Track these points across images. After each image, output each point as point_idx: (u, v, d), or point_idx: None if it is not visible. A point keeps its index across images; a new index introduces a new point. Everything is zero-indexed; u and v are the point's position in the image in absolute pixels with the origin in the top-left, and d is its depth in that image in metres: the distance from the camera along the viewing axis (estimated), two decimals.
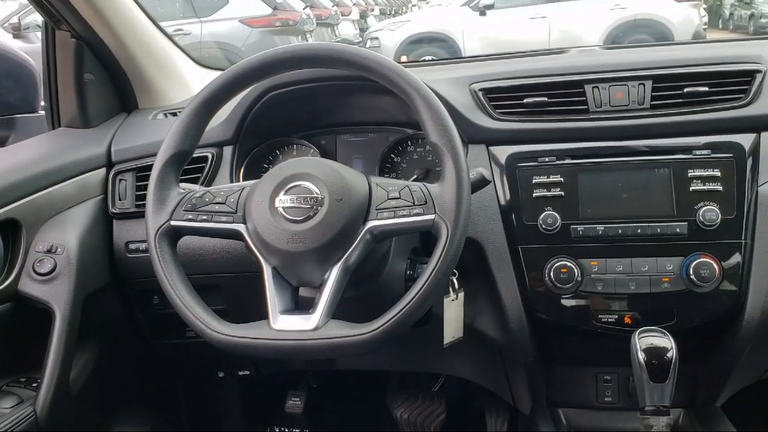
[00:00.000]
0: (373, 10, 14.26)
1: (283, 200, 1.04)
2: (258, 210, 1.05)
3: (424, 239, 1.32)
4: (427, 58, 8.42)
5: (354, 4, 12.19)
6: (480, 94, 1.35)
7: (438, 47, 9.21)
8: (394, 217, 1.04)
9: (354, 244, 1.04)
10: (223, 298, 1.43)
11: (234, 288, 1.40)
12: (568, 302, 1.26)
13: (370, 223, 1.04)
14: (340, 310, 1.05)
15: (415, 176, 1.43)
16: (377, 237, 1.06)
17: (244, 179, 1.41)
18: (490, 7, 9.23)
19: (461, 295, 1.31)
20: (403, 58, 8.50)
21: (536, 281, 1.27)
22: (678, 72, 1.30)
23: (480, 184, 1.15)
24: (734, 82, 1.28)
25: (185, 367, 1.82)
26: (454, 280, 1.28)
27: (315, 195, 1.03)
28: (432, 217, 1.03)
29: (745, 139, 1.25)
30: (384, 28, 10.13)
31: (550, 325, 1.30)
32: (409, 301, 1.00)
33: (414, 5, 18.05)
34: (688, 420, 1.38)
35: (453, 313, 1.32)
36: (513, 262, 1.28)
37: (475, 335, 1.39)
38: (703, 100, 1.27)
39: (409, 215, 1.03)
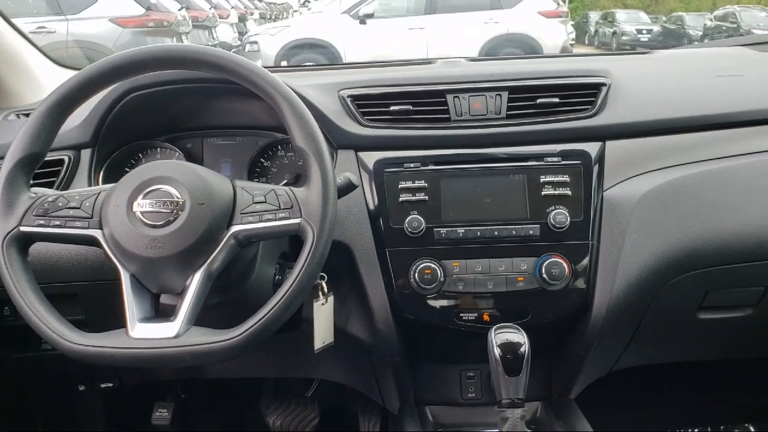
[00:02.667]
0: (252, 14, 14.08)
1: (141, 204, 1.01)
2: (115, 215, 1.01)
3: (293, 244, 1.32)
4: (307, 64, 8.41)
5: (233, 8, 11.98)
6: (348, 100, 1.37)
7: (318, 54, 9.24)
8: (259, 222, 1.04)
9: (217, 250, 1.02)
10: (82, 307, 1.37)
11: (93, 297, 1.34)
12: (432, 302, 1.31)
13: (235, 228, 1.03)
14: (206, 318, 1.04)
15: (286, 181, 1.43)
16: (242, 242, 1.05)
17: (103, 184, 1.36)
18: (370, 16, 9.38)
19: (331, 299, 1.32)
20: (283, 63, 8.46)
21: (402, 283, 1.30)
22: (531, 84, 1.38)
23: (347, 188, 1.17)
24: (582, 95, 1.37)
25: (42, 382, 1.72)
26: (324, 284, 1.29)
27: (175, 199, 1.01)
28: (298, 220, 1.03)
29: (592, 148, 1.34)
30: (263, 33, 10.03)
31: (416, 325, 1.34)
32: (274, 306, 1.00)
33: (295, 11, 17.99)
34: (545, 412, 1.47)
35: (323, 317, 1.33)
36: (380, 264, 1.31)
37: (345, 338, 1.41)
38: (554, 111, 1.35)
39: (275, 219, 1.04)
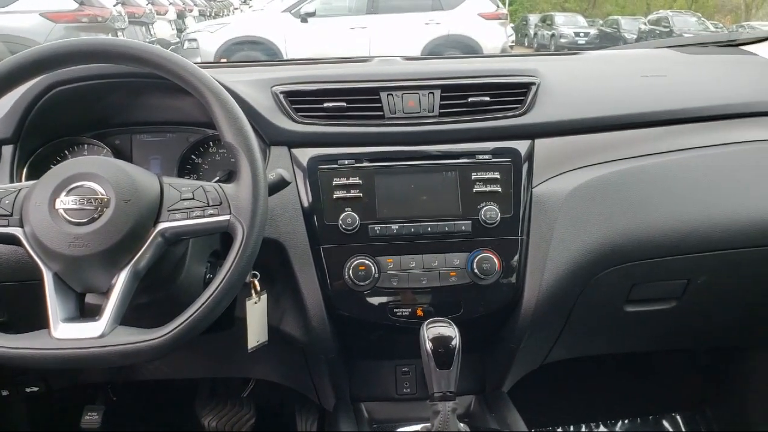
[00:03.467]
0: (191, 10, 13.84)
1: (64, 201, 0.98)
2: (36, 212, 0.98)
3: (225, 241, 1.30)
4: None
5: (171, 4, 11.75)
6: (281, 96, 1.36)
7: (259, 51, 9.15)
8: (187, 219, 1.02)
9: (144, 247, 1.00)
10: (4, 308, 1.32)
11: (15, 297, 1.30)
12: (366, 299, 1.31)
13: (162, 225, 1.02)
14: (136, 318, 1.02)
15: (218, 178, 1.41)
16: (170, 239, 1.03)
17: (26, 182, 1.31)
18: (312, 14, 9.34)
19: (264, 297, 1.32)
20: (223, 61, 8.33)
21: (337, 280, 1.30)
22: (463, 83, 1.40)
23: (279, 185, 1.16)
24: (512, 93, 1.40)
25: None
26: (256, 283, 1.28)
27: (100, 196, 0.99)
28: (227, 217, 1.02)
29: (522, 145, 1.37)
30: (203, 30, 9.87)
31: (351, 322, 1.34)
32: (202, 305, 0.99)
33: (236, 8, 17.76)
34: (478, 405, 1.49)
35: (256, 315, 1.32)
36: (315, 262, 1.31)
37: (280, 337, 1.40)
38: (485, 109, 1.38)
39: (203, 216, 1.02)
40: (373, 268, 1.29)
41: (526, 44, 21.96)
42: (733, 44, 1.90)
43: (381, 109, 1.36)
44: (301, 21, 9.31)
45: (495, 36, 9.93)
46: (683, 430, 2.11)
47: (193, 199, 1.03)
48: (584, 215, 1.34)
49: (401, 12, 9.69)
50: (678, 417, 2.13)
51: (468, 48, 9.60)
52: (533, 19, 23.10)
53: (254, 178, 1.04)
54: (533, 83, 1.41)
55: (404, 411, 1.48)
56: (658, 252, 1.38)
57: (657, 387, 2.13)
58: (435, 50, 9.42)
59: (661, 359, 2.03)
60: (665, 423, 2.12)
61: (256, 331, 1.32)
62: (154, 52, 1.06)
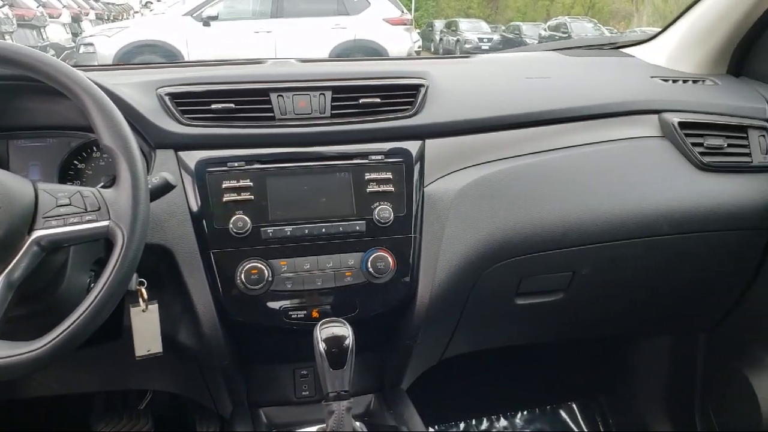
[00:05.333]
0: (87, 14, 13.28)
1: None
2: None
3: (109, 248, 1.26)
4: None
5: (65, 7, 11.25)
6: (167, 98, 1.33)
7: (161, 56, 8.91)
8: (64, 225, 0.98)
9: (18, 257, 0.96)
10: None
11: None
12: (260, 303, 1.30)
13: (37, 233, 0.97)
14: (11, 331, 0.97)
15: (102, 183, 1.36)
16: (46, 248, 0.99)
17: None
18: (214, 18, 9.18)
19: (153, 305, 1.28)
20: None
21: (228, 285, 1.28)
22: (354, 84, 1.41)
23: (164, 188, 1.13)
24: (402, 95, 1.42)
25: None
26: (143, 290, 1.25)
27: None
28: (106, 223, 0.99)
29: (413, 146, 1.39)
30: (100, 34, 9.52)
31: (245, 327, 1.33)
32: (81, 314, 0.96)
33: (136, 12, 17.19)
34: (377, 404, 1.50)
35: (144, 324, 1.28)
36: (205, 267, 1.28)
37: (173, 346, 1.37)
38: (376, 111, 1.39)
39: (81, 222, 0.99)
40: (266, 271, 1.28)
41: (432, 50, 22.34)
42: (613, 47, 2.00)
43: (271, 110, 1.35)
44: (204, 25, 9.14)
45: (401, 41, 10.08)
46: (579, 417, 2.20)
47: (70, 205, 1.00)
48: (473, 212, 1.38)
49: (307, 16, 9.68)
50: (574, 405, 2.23)
51: (375, 53, 9.69)
52: (439, 25, 23.53)
53: (134, 181, 1.01)
54: (422, 85, 1.44)
55: (303, 414, 1.47)
56: (544, 246, 1.43)
57: (553, 377, 2.22)
58: (342, 54, 9.44)
59: (556, 350, 2.11)
60: (562, 412, 2.21)
61: (146, 340, 1.29)
62: (25, 53, 1.02)
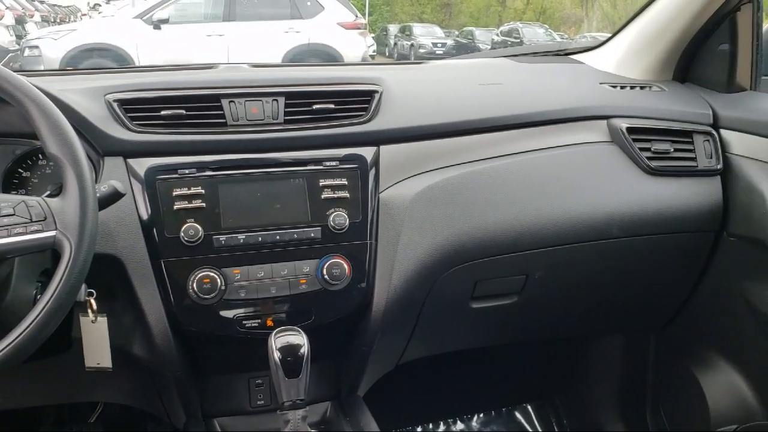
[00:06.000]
0: (32, 15, 12.92)
1: None
2: None
3: (56, 259, 1.22)
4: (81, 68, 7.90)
5: (8, 8, 10.93)
6: (115, 105, 1.30)
7: (110, 59, 8.72)
8: (8, 236, 0.96)
9: None
10: None
11: None
12: (212, 312, 1.27)
13: None
14: None
15: (48, 192, 1.32)
16: None
17: None
18: (165, 21, 9.03)
19: (103, 317, 1.25)
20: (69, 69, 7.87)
21: (180, 294, 1.26)
22: (307, 90, 1.40)
23: (113, 197, 1.11)
24: (356, 101, 1.42)
25: None
26: (92, 301, 1.22)
27: None
28: (52, 233, 0.97)
29: (368, 152, 1.39)
30: (46, 36, 9.27)
31: (198, 337, 1.31)
32: (27, 326, 0.93)
33: (84, 14, 16.80)
34: (334, 411, 1.50)
35: (94, 335, 1.25)
36: (156, 276, 1.26)
37: (124, 357, 1.34)
38: (330, 116, 1.39)
39: (26, 233, 0.96)
40: (219, 280, 1.26)
41: (387, 54, 22.43)
42: (563, 53, 2.03)
43: (223, 116, 1.34)
44: (154, 28, 8.98)
45: (355, 45, 10.07)
46: (534, 419, 2.23)
47: (14, 215, 0.97)
48: (428, 218, 1.38)
49: (260, 20, 9.60)
50: (529, 407, 2.25)
51: (329, 57, 9.67)
52: (393, 29, 23.63)
53: (81, 190, 0.98)
54: (376, 91, 1.44)
55: (258, 423, 1.46)
56: (498, 250, 1.45)
57: (509, 380, 2.24)
58: (296, 58, 9.40)
59: (511, 352, 2.13)
60: (517, 414, 2.23)
61: (96, 352, 1.27)
62: None
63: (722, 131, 1.60)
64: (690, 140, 1.58)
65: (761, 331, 1.54)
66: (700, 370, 1.79)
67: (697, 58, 1.76)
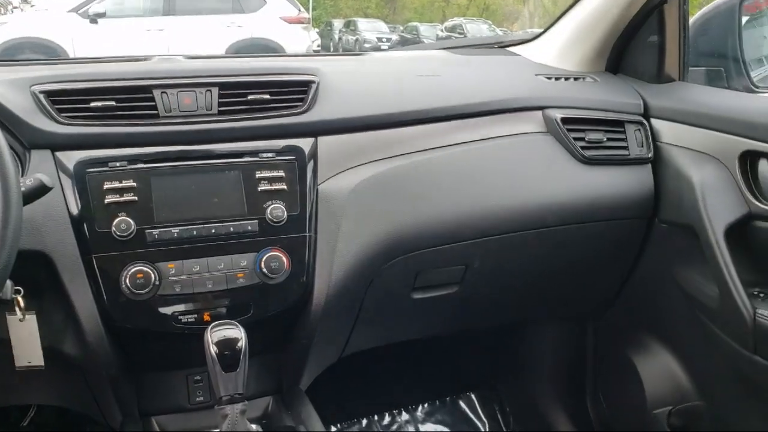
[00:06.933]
0: None
1: None
2: None
3: None
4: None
5: None
6: (42, 96, 1.26)
7: (43, 54, 8.44)
8: None
9: None
10: None
11: None
12: (147, 308, 1.24)
13: None
14: None
15: None
16: None
17: None
18: (102, 15, 8.80)
19: (31, 315, 1.21)
20: None
21: (113, 290, 1.22)
22: (242, 80, 1.38)
23: (39, 191, 1.07)
24: (293, 92, 1.40)
25: None
26: (20, 299, 1.18)
27: None
28: None
29: (305, 143, 1.38)
30: None
31: (133, 334, 1.28)
32: None
33: (15, 7, 16.18)
34: (275, 406, 1.48)
35: (23, 334, 1.22)
36: (87, 272, 1.22)
37: (56, 356, 1.29)
38: (266, 107, 1.37)
39: None
40: (152, 275, 1.23)
41: (332, 49, 22.33)
42: (501, 46, 2.06)
43: (155, 107, 1.30)
44: (91, 22, 8.74)
45: (299, 40, 10.02)
46: (478, 407, 2.26)
47: None
48: (367, 210, 1.38)
49: (201, 14, 9.44)
50: (473, 396, 2.28)
51: (273, 52, 9.57)
52: (337, 24, 23.55)
53: (3, 184, 0.94)
54: (313, 81, 1.43)
55: (197, 420, 1.43)
56: (437, 241, 1.46)
57: (453, 369, 2.26)
58: (239, 53, 9.27)
59: (454, 342, 2.15)
60: (461, 403, 2.26)
61: (26, 351, 1.23)
62: None
63: (653, 120, 1.65)
64: (622, 129, 1.63)
65: (693, 315, 1.59)
66: (637, 354, 1.84)
67: (628, 50, 1.80)
